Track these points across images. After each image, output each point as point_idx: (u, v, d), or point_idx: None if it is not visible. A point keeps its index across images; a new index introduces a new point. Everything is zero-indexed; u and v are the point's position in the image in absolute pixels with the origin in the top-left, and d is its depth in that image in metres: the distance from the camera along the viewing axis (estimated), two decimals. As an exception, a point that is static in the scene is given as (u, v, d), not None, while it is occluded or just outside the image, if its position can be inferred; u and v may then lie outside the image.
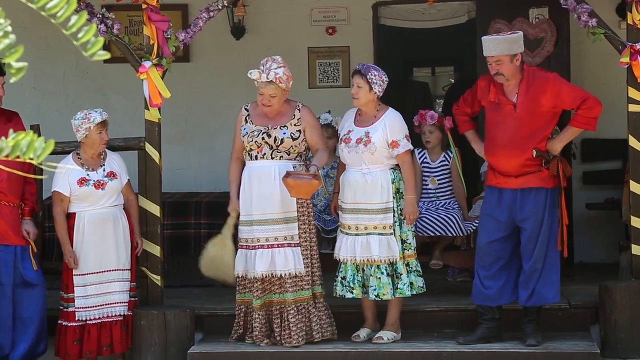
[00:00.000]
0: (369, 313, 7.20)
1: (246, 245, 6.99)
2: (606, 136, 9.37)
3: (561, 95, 6.87)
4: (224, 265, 7.12)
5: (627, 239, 7.87)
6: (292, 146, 6.96)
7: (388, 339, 7.06)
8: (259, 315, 6.96)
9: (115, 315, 7.09)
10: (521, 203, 6.91)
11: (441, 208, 7.91)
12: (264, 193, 6.91)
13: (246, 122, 7.08)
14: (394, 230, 6.96)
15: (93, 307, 7.04)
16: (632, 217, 7.31)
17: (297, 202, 6.95)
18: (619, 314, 7.10)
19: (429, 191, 8.03)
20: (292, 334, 6.92)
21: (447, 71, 15.91)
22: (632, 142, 7.30)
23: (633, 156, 7.32)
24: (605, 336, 7.17)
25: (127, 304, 7.13)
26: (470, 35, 9.39)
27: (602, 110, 6.89)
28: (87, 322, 7.05)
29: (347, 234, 7.04)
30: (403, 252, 6.99)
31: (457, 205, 7.97)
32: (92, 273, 7.05)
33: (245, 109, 7.15)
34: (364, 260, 6.98)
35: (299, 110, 7.06)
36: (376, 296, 6.98)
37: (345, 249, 7.03)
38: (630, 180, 7.33)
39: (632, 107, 7.29)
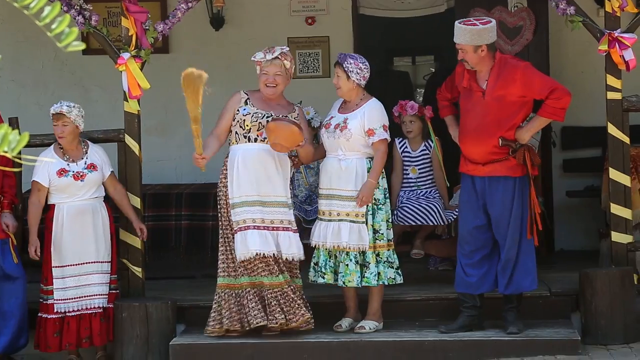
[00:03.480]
0: (350, 303, 7.21)
1: (247, 226, 6.81)
2: (585, 124, 9.39)
3: (530, 85, 6.86)
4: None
5: (606, 226, 7.90)
6: None
7: (370, 329, 7.07)
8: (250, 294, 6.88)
9: (94, 308, 7.07)
10: (489, 191, 6.92)
11: (422, 197, 7.91)
12: (271, 175, 6.90)
13: (246, 104, 7.04)
14: (367, 219, 6.96)
15: (71, 299, 7.02)
16: (611, 204, 7.34)
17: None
18: (599, 301, 7.13)
19: (410, 180, 8.04)
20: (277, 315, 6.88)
21: (427, 60, 15.88)
22: (611, 129, 7.33)
23: (612, 143, 7.34)
24: (586, 323, 7.20)
25: (106, 296, 7.12)
26: (450, 24, 9.31)
27: (571, 100, 6.88)
28: (66, 314, 7.03)
29: (321, 219, 7.07)
30: (374, 242, 6.98)
31: (438, 194, 7.97)
32: (71, 265, 7.03)
33: (245, 92, 7.12)
34: (334, 246, 6.98)
35: (298, 107, 7.15)
36: (343, 283, 6.97)
37: (318, 234, 7.05)
38: (610, 168, 7.36)
39: (611, 95, 7.31)
